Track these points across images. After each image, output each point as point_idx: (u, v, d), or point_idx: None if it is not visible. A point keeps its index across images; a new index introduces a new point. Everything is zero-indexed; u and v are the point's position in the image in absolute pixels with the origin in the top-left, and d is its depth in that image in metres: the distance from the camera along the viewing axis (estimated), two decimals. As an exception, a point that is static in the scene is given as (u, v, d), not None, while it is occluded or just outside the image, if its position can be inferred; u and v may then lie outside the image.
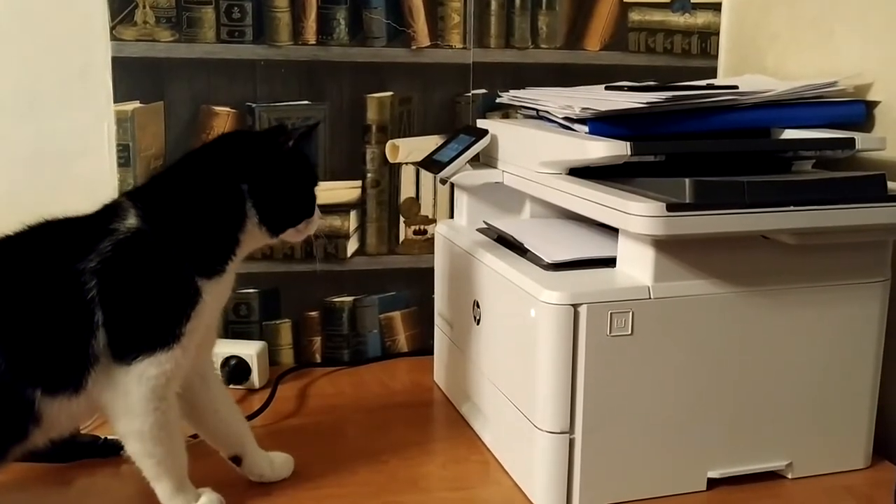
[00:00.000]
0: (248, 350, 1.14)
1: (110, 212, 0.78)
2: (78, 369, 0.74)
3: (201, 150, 0.85)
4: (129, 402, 0.76)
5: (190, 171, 0.82)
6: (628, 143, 0.85)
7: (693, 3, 1.26)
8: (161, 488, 0.79)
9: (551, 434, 0.84)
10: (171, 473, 0.79)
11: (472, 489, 0.90)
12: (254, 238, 0.83)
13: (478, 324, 0.99)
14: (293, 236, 0.85)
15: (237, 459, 0.88)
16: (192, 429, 0.87)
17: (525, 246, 0.93)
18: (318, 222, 0.87)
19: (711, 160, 0.90)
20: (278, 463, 0.90)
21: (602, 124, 0.92)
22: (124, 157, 1.13)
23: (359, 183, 1.21)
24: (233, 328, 1.20)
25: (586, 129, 0.93)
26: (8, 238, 0.77)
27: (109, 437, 0.94)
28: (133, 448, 0.78)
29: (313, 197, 0.86)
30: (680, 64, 1.27)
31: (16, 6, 1.12)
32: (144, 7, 1.11)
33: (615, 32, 1.25)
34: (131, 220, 0.77)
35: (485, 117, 1.21)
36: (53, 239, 0.77)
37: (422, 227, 1.24)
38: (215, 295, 0.80)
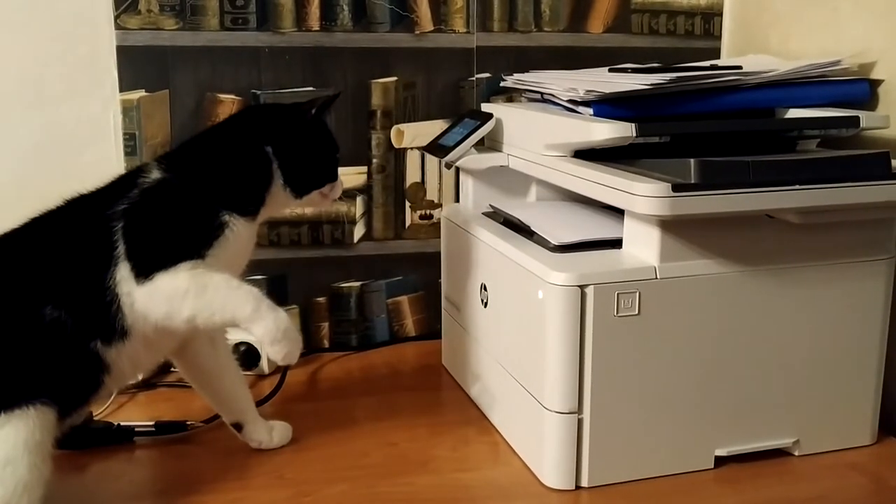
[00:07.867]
0: (258, 336, 1.15)
1: (137, 172, 0.84)
2: (111, 313, 0.78)
3: (227, 119, 0.93)
4: (162, 295, 0.78)
5: (215, 135, 0.90)
6: (633, 125, 0.85)
7: (696, -16, 1.26)
8: (239, 318, 0.81)
9: (559, 414, 0.84)
10: (241, 302, 0.81)
11: (481, 470, 0.91)
12: (278, 199, 0.88)
13: (485, 306, 0.99)
14: (318, 201, 0.91)
15: (238, 426, 0.93)
16: (198, 392, 0.93)
17: (531, 228, 0.93)
18: (341, 187, 0.93)
19: (716, 140, 0.90)
20: (277, 430, 0.95)
21: (606, 106, 0.92)
22: (131, 145, 1.14)
23: (364, 168, 1.21)
24: (241, 314, 1.21)
25: (591, 111, 0.93)
26: (48, 213, 0.82)
27: (123, 422, 0.96)
28: (198, 319, 0.79)
29: (335, 163, 0.92)
30: (683, 45, 1.27)
31: (20, -4, 1.12)
32: (148, -5, 1.11)
33: (618, 14, 1.25)
34: (156, 174, 0.83)
35: (489, 101, 1.21)
36: (89, 200, 0.82)
37: (428, 211, 1.24)
38: (238, 239, 0.83)
